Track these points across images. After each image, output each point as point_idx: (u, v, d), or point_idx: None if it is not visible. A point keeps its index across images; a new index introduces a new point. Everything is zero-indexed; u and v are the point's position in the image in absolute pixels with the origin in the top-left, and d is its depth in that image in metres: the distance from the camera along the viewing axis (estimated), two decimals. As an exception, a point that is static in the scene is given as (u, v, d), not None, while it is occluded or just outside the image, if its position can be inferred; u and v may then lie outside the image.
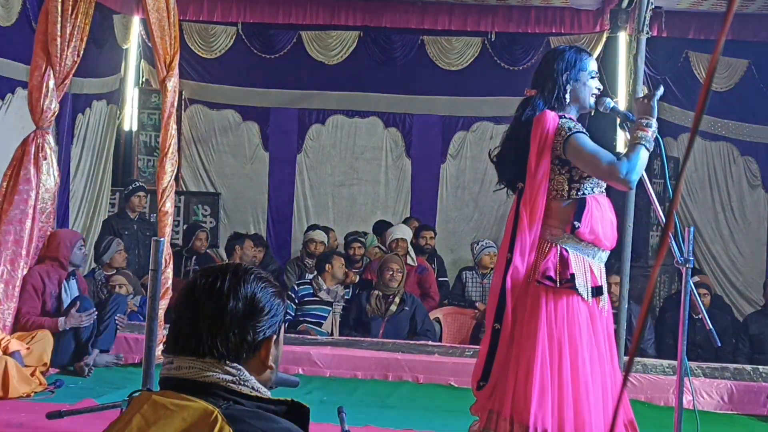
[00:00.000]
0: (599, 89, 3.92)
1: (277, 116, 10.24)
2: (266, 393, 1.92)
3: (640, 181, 3.76)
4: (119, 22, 9.61)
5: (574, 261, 3.73)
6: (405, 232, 8.54)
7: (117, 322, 6.55)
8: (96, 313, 6.44)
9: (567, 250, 3.73)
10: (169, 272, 6.72)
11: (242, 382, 1.88)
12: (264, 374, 1.94)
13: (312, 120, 10.23)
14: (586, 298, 3.73)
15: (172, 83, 6.91)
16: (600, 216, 3.78)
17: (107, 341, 6.56)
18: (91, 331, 6.46)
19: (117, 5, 9.25)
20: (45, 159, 6.40)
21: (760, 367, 6.85)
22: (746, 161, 9.56)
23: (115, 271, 7.62)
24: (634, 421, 3.90)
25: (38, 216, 6.41)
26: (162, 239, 3.78)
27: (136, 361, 6.56)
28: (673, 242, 3.84)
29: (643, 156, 3.64)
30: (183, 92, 9.65)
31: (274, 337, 1.95)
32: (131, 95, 10.19)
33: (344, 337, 7.33)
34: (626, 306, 6.09)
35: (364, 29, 9.82)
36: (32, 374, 5.86)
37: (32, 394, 5.69)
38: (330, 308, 7.59)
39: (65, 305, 6.52)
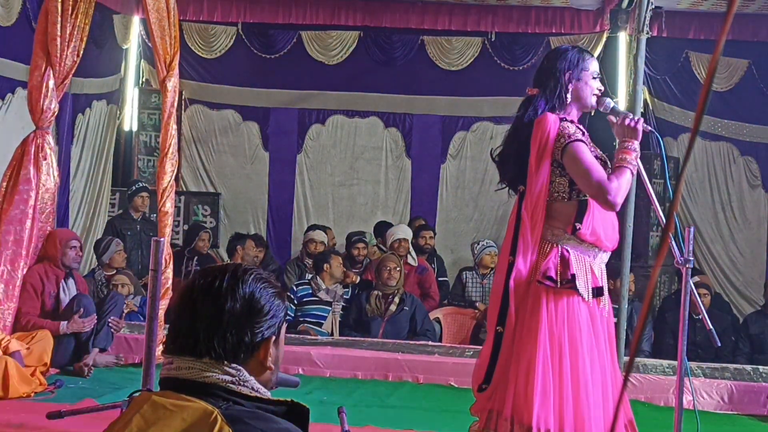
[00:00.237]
0: (600, 90, 3.92)
1: (277, 116, 10.24)
2: (266, 393, 1.92)
3: (640, 181, 3.78)
4: (119, 22, 9.61)
5: (575, 261, 3.73)
6: (406, 233, 8.55)
7: (110, 324, 6.54)
8: (96, 317, 6.45)
9: (568, 251, 3.73)
10: (169, 272, 6.72)
11: (242, 383, 1.88)
12: (263, 375, 1.94)
13: (312, 120, 10.22)
14: (586, 299, 3.73)
15: (172, 83, 6.91)
16: (601, 217, 3.78)
17: (105, 340, 6.56)
18: (90, 331, 6.46)
19: (117, 5, 9.25)
20: (45, 159, 6.40)
21: (760, 367, 6.86)
22: (746, 161, 9.56)
23: (114, 271, 7.62)
24: (634, 421, 3.90)
25: (38, 216, 6.41)
26: (162, 239, 3.77)
27: (136, 361, 6.56)
28: (673, 242, 3.84)
29: (628, 179, 3.70)
30: (183, 92, 9.65)
31: (273, 338, 1.94)
32: (131, 95, 10.18)
33: (344, 337, 7.33)
34: (626, 305, 6.09)
35: (364, 29, 9.82)
36: (32, 374, 5.86)
37: (32, 394, 5.69)
38: (330, 308, 7.59)
39: (64, 305, 6.53)
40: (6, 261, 6.21)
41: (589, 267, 3.77)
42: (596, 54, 9.29)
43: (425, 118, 10.12)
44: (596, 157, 3.76)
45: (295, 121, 10.23)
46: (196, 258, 8.45)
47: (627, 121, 3.77)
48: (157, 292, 3.58)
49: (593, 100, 3.89)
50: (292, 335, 7.23)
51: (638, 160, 3.86)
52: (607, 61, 9.45)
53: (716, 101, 9.11)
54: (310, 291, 7.64)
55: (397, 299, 7.51)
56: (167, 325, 5.99)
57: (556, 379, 3.67)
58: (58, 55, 6.30)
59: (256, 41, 10.00)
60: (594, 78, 3.88)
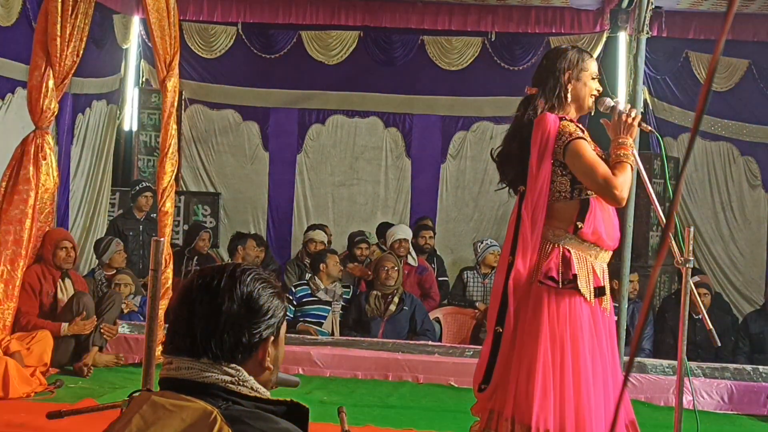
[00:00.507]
0: (599, 91, 3.92)
1: (277, 116, 10.24)
2: (265, 393, 1.92)
3: (640, 181, 3.78)
4: (119, 22, 9.61)
5: (577, 261, 3.72)
6: (406, 233, 8.56)
7: (102, 331, 6.52)
8: (96, 318, 6.45)
9: (569, 251, 3.73)
10: (170, 272, 6.72)
11: (241, 383, 1.87)
12: (263, 375, 1.93)
13: (312, 120, 10.22)
14: (588, 299, 3.73)
15: (172, 83, 6.91)
16: (603, 216, 3.77)
17: (102, 338, 6.56)
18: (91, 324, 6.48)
19: (117, 5, 9.25)
20: (44, 159, 6.39)
21: (760, 367, 6.85)
22: (746, 161, 9.56)
23: (115, 271, 7.62)
24: (636, 421, 3.89)
25: (37, 216, 6.41)
26: (162, 239, 3.77)
27: (136, 361, 6.56)
28: (673, 242, 3.84)
29: (629, 174, 3.71)
30: (183, 92, 9.65)
31: (272, 338, 1.94)
32: (131, 95, 10.18)
33: (344, 337, 7.33)
34: (626, 305, 6.09)
35: (364, 29, 9.82)
36: (32, 374, 5.86)
37: (32, 394, 5.69)
38: (329, 308, 7.58)
39: (62, 304, 6.53)
40: (6, 261, 6.21)
41: (591, 266, 3.76)
42: (596, 54, 9.29)
43: (425, 118, 10.12)
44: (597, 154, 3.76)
45: (295, 121, 10.23)
46: (196, 258, 8.45)
47: (624, 117, 3.78)
48: (157, 292, 3.58)
49: (591, 102, 3.89)
50: (292, 335, 7.23)
51: (638, 160, 3.86)
52: (607, 61, 9.45)
53: (716, 101, 9.11)
54: (309, 291, 7.64)
55: (396, 299, 7.51)
56: (167, 325, 6.00)
57: (557, 380, 3.67)
58: (58, 55, 6.29)
59: (256, 41, 10.00)
60: (593, 78, 3.88)
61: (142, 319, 7.25)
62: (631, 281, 6.68)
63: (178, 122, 8.32)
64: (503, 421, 3.72)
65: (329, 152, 10.23)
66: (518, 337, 3.76)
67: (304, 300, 7.61)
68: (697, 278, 7.44)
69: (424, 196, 10.09)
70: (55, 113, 6.58)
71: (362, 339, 7.21)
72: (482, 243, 8.42)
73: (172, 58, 6.90)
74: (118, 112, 10.03)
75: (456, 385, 6.39)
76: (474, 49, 9.78)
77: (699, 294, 5.46)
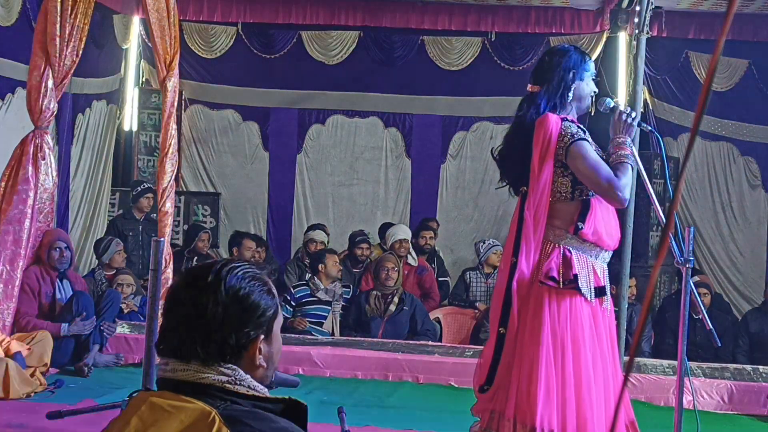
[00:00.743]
0: (595, 92, 3.94)
1: (277, 116, 10.23)
2: (263, 391, 1.90)
3: (640, 181, 3.79)
4: (119, 22, 9.61)
5: (577, 261, 3.72)
6: (407, 233, 8.56)
7: (103, 329, 6.53)
8: (95, 318, 6.44)
9: (570, 251, 3.73)
10: (170, 272, 6.72)
11: (238, 382, 1.86)
12: (257, 372, 1.92)
13: (312, 120, 10.22)
14: (589, 299, 3.73)
15: (172, 83, 6.91)
16: (603, 216, 3.78)
17: (101, 337, 6.56)
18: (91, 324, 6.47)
19: (117, 5, 9.24)
20: (43, 159, 6.40)
21: (760, 367, 6.85)
22: (746, 161, 9.56)
23: (114, 271, 7.62)
24: (636, 421, 3.90)
25: (36, 216, 6.41)
26: (162, 239, 3.77)
27: (136, 361, 6.56)
28: (673, 242, 3.84)
29: (630, 174, 3.73)
30: (183, 92, 9.65)
31: (262, 336, 1.91)
32: (131, 95, 10.18)
33: (344, 337, 7.32)
34: (626, 306, 6.09)
35: (364, 29, 9.82)
36: (32, 374, 5.86)
37: (32, 395, 5.69)
38: (329, 307, 7.58)
39: (61, 305, 6.53)
40: (5, 261, 6.21)
41: (591, 266, 3.76)
42: (596, 54, 9.30)
43: (425, 118, 10.12)
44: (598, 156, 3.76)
45: (295, 121, 10.23)
46: (195, 258, 8.44)
47: (624, 117, 3.78)
48: (157, 292, 3.59)
49: (589, 102, 3.91)
50: (292, 335, 7.23)
51: (638, 160, 3.87)
52: (607, 61, 9.45)
53: (716, 101, 9.10)
54: (309, 291, 7.63)
55: (396, 299, 7.51)
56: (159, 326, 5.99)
57: (559, 380, 3.67)
58: (57, 54, 6.29)
59: (256, 41, 9.99)
60: (592, 79, 3.90)
61: (142, 319, 7.24)
62: (629, 286, 6.67)
63: (178, 122, 8.33)
64: (505, 422, 3.72)
65: (329, 152, 10.23)
66: (519, 337, 3.76)
67: (304, 300, 7.61)
68: (696, 278, 7.44)
69: (424, 196, 10.09)
70: (55, 113, 6.58)
71: (362, 339, 7.21)
72: (485, 243, 8.42)
73: (172, 58, 6.90)
74: (118, 112, 10.03)
75: (456, 385, 6.39)
76: (474, 49, 9.78)
77: (699, 294, 5.45)
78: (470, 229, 9.98)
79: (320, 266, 7.64)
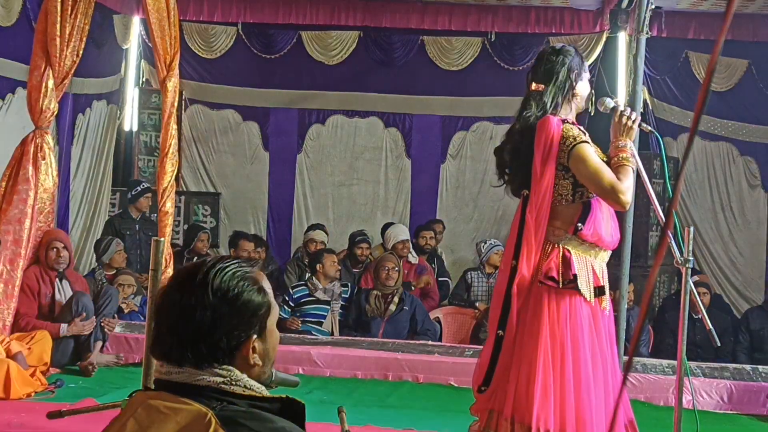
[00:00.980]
0: (590, 94, 3.97)
1: (277, 116, 10.24)
2: (260, 390, 1.89)
3: (640, 181, 3.80)
4: (119, 22, 9.61)
5: (577, 261, 3.73)
6: (407, 233, 8.57)
7: (103, 325, 6.54)
8: (95, 318, 6.45)
9: (569, 251, 3.73)
10: (170, 272, 6.72)
11: (234, 382, 1.85)
12: (253, 371, 1.90)
13: (312, 120, 10.23)
14: (588, 299, 3.74)
15: (172, 83, 6.92)
16: (603, 217, 3.78)
17: (102, 334, 6.57)
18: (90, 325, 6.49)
19: (117, 5, 9.25)
20: (44, 159, 6.40)
21: (759, 366, 6.85)
22: (746, 161, 9.56)
23: (115, 271, 7.62)
24: (634, 421, 3.90)
25: (36, 216, 6.41)
26: (162, 239, 3.78)
27: (136, 361, 6.56)
28: (673, 242, 3.84)
29: (632, 177, 3.73)
30: (183, 92, 9.65)
31: (254, 336, 1.89)
32: (131, 95, 10.18)
33: (344, 337, 7.33)
34: (626, 305, 6.09)
35: (364, 29, 9.82)
36: (32, 374, 5.86)
37: (32, 394, 5.70)
38: (328, 307, 7.59)
39: (60, 305, 6.53)
40: (5, 261, 6.22)
41: (591, 266, 3.77)
42: (596, 54, 9.31)
43: (425, 118, 10.12)
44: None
45: (295, 121, 10.23)
46: (195, 259, 8.45)
47: (624, 120, 3.79)
48: (157, 292, 3.59)
49: (584, 103, 3.93)
50: (293, 335, 7.23)
51: (638, 160, 3.87)
52: (607, 61, 9.46)
53: (716, 101, 9.11)
54: (307, 291, 7.63)
55: (396, 299, 7.51)
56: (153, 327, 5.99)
57: (558, 380, 3.67)
58: (58, 54, 6.30)
59: (256, 41, 10.00)
60: (588, 80, 3.93)
61: (142, 319, 7.25)
62: (627, 302, 6.66)
63: (178, 122, 8.32)
64: (503, 421, 3.72)
65: (329, 152, 10.23)
66: (518, 337, 3.76)
67: (302, 300, 7.61)
68: (696, 278, 7.45)
69: (424, 196, 10.09)
70: (55, 113, 6.58)
71: (362, 339, 7.21)
72: (486, 243, 8.42)
73: (172, 58, 6.91)
74: (119, 112, 10.03)
75: (456, 385, 6.39)
76: (474, 49, 9.78)
77: (698, 293, 5.45)
78: (470, 229, 9.99)
79: (318, 266, 7.64)
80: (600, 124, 3.94)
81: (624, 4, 8.92)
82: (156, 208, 7.76)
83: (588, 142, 3.73)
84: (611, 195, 3.65)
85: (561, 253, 3.73)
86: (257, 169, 10.25)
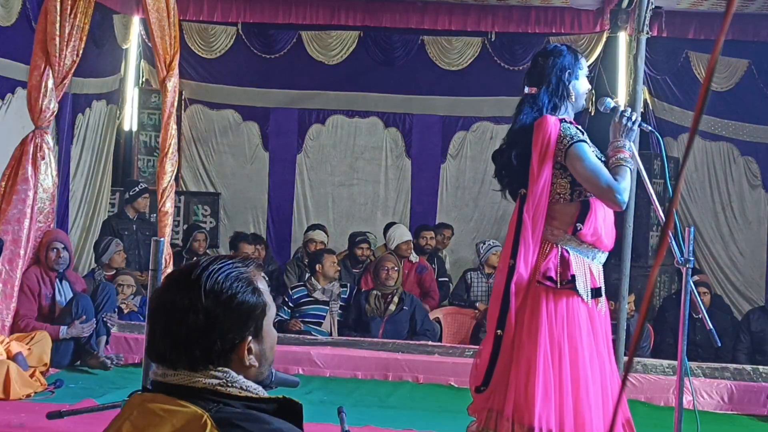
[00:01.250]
0: (590, 89, 3.95)
1: (277, 116, 10.23)
2: (256, 391, 1.87)
3: (640, 181, 3.80)
4: (119, 22, 9.61)
5: (575, 262, 3.73)
6: (409, 233, 8.57)
7: (106, 320, 6.54)
8: (95, 322, 6.44)
9: (568, 251, 3.73)
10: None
11: (230, 384, 1.84)
12: (250, 372, 1.88)
13: (312, 120, 10.22)
14: (586, 300, 3.74)
15: (172, 83, 6.92)
16: (602, 217, 3.78)
17: (106, 330, 6.58)
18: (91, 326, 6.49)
19: (117, 5, 9.24)
20: (43, 159, 6.40)
21: (760, 367, 6.85)
22: (746, 161, 9.56)
23: (114, 272, 7.61)
24: (631, 420, 3.91)
25: (36, 216, 6.41)
26: (162, 239, 3.78)
27: (136, 361, 6.56)
28: (673, 242, 3.84)
29: (629, 177, 3.74)
30: (183, 92, 9.65)
31: (250, 337, 1.87)
32: (131, 95, 10.18)
33: (344, 337, 7.32)
34: (626, 305, 6.09)
35: (364, 29, 9.82)
36: (32, 375, 5.86)
37: (32, 395, 5.69)
38: (327, 307, 7.58)
39: (61, 306, 6.53)
40: (4, 261, 6.22)
41: (588, 268, 3.77)
42: (596, 54, 9.30)
43: (425, 118, 10.12)
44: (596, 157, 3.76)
45: (295, 121, 10.23)
46: (194, 259, 8.43)
47: (624, 121, 3.79)
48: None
49: (584, 100, 3.92)
50: (293, 335, 7.23)
51: (638, 160, 3.87)
52: (607, 61, 9.45)
53: (716, 101, 9.10)
54: (306, 292, 7.63)
55: (396, 299, 7.51)
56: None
57: (556, 379, 3.67)
58: (57, 54, 6.30)
59: (256, 41, 10.00)
60: (585, 77, 3.91)
61: (141, 319, 7.24)
62: (627, 302, 6.65)
63: (178, 122, 8.33)
64: (503, 421, 3.72)
65: (329, 152, 10.23)
66: (517, 338, 3.76)
67: (301, 301, 7.60)
68: (696, 277, 7.44)
69: (424, 196, 10.09)
70: (55, 113, 6.58)
71: (362, 339, 7.20)
72: (485, 244, 8.42)
73: (172, 58, 6.91)
74: (118, 112, 10.03)
75: (456, 385, 6.39)
76: (474, 49, 9.78)
77: (699, 293, 5.45)
78: (470, 229, 9.98)
79: (317, 266, 7.64)
80: (600, 124, 3.93)
81: (624, 4, 8.92)
82: (155, 208, 7.76)
83: (585, 141, 3.73)
84: (608, 195, 3.65)
85: (560, 253, 3.73)
86: (257, 169, 10.24)
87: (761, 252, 9.56)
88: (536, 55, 3.99)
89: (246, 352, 1.87)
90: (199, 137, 10.26)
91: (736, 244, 9.56)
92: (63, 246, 6.58)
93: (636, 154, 3.88)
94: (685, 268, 3.86)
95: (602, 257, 3.85)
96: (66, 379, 6.11)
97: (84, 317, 6.39)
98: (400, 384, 6.54)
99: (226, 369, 1.85)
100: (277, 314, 5.33)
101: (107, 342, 6.60)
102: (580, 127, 3.84)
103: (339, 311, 7.63)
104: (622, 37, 9.38)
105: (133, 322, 7.20)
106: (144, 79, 10.23)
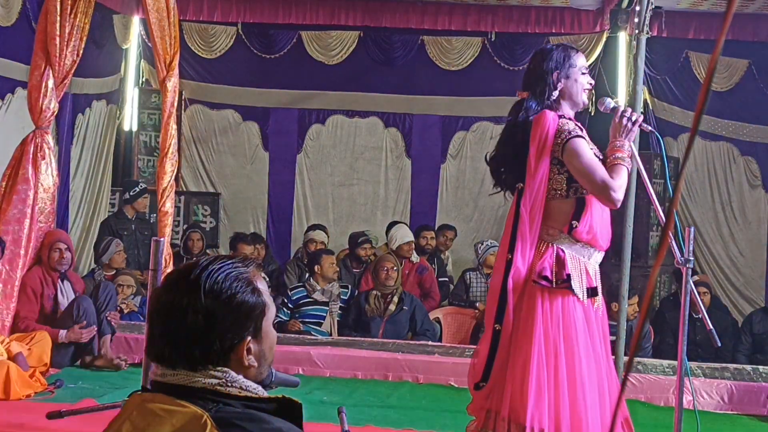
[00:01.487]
0: (591, 84, 3.93)
1: (277, 116, 10.24)
2: (256, 390, 1.87)
3: (640, 181, 3.80)
4: (119, 22, 9.61)
5: (570, 261, 3.73)
6: (411, 234, 8.57)
7: (109, 319, 6.55)
8: (96, 328, 6.44)
9: (563, 251, 3.73)
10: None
11: (230, 384, 1.84)
12: (249, 372, 1.88)
13: (312, 120, 10.23)
14: (581, 299, 3.74)
15: (172, 83, 6.92)
16: (598, 216, 3.78)
17: (110, 328, 6.58)
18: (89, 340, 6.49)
19: (117, 5, 9.25)
20: (43, 159, 6.40)
21: (760, 367, 6.86)
22: (746, 161, 9.56)
23: (114, 272, 7.61)
24: (630, 419, 3.91)
25: (37, 216, 6.41)
26: (162, 239, 3.78)
27: (136, 361, 6.56)
28: (673, 242, 3.84)
29: (626, 176, 3.73)
30: (183, 92, 9.65)
31: (249, 337, 1.87)
32: (131, 95, 10.18)
33: (344, 337, 7.32)
34: (626, 306, 6.09)
35: (364, 29, 9.82)
36: (32, 375, 5.86)
37: (32, 395, 5.70)
38: (326, 308, 7.58)
39: (62, 307, 6.53)
40: (4, 261, 6.22)
41: (584, 267, 3.77)
42: (596, 54, 9.30)
43: (425, 118, 10.12)
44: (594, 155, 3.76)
45: (295, 121, 10.23)
46: (193, 259, 8.42)
47: (624, 121, 3.78)
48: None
49: (584, 97, 3.89)
50: (292, 335, 7.23)
51: (638, 160, 3.87)
52: (607, 61, 9.45)
53: (716, 101, 9.11)
54: (305, 293, 7.62)
55: (396, 299, 7.51)
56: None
57: (552, 379, 3.67)
58: (58, 54, 6.30)
59: (256, 41, 10.00)
60: (583, 73, 3.88)
61: (141, 319, 7.25)
62: (630, 304, 6.66)
63: (178, 122, 8.33)
64: (500, 421, 3.72)
65: (329, 152, 10.23)
66: (513, 335, 3.77)
67: (301, 302, 7.60)
68: (696, 277, 7.44)
69: (424, 196, 10.09)
70: (55, 113, 6.58)
71: (362, 339, 7.20)
72: (483, 244, 8.43)
73: (172, 58, 6.91)
74: (118, 112, 10.03)
75: (456, 385, 6.39)
76: (474, 49, 9.78)
77: (699, 293, 5.45)
78: (470, 229, 9.98)
79: (316, 267, 7.63)
80: (600, 124, 3.93)
81: (624, 4, 8.92)
82: (155, 208, 7.76)
83: (583, 137, 3.73)
84: (603, 191, 3.65)
85: (555, 252, 3.73)
86: (257, 169, 10.25)
87: (761, 252, 9.56)
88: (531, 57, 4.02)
89: (245, 352, 1.87)
90: (199, 137, 10.26)
91: (736, 244, 9.56)
92: (66, 246, 6.59)
93: (636, 154, 3.88)
94: (685, 268, 3.86)
95: (598, 257, 3.85)
96: (66, 379, 6.10)
97: (85, 322, 6.38)
98: (400, 384, 6.54)
99: (225, 369, 1.85)
100: (276, 315, 5.34)
101: (111, 340, 6.60)
102: (579, 124, 3.84)
103: (339, 312, 7.63)
104: (622, 37, 9.38)
105: (133, 322, 7.20)
106: (144, 79, 10.24)
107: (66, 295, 6.59)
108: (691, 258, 3.85)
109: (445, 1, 9.40)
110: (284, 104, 10.21)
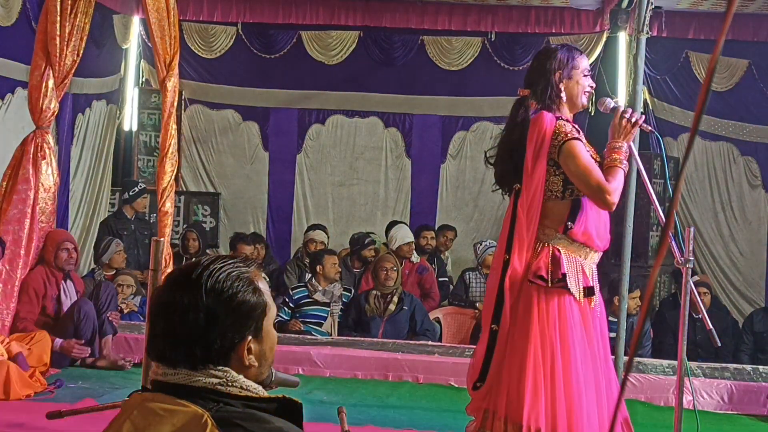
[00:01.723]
0: (592, 87, 3.93)
1: (277, 116, 10.24)
2: (256, 390, 1.87)
3: (640, 181, 3.80)
4: (119, 22, 9.61)
5: (566, 261, 3.73)
6: (411, 234, 8.58)
7: (110, 319, 6.55)
8: (89, 350, 6.42)
9: (559, 250, 3.74)
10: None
11: (230, 383, 1.84)
12: (250, 371, 1.89)
13: (312, 120, 10.23)
14: (578, 298, 3.74)
15: (172, 83, 6.92)
16: (594, 217, 3.78)
17: (112, 328, 6.58)
18: (93, 331, 6.47)
19: (117, 5, 9.25)
20: (44, 159, 6.40)
21: (760, 367, 6.86)
22: (746, 161, 9.56)
23: (114, 272, 7.61)
24: (629, 419, 3.91)
25: (37, 216, 6.41)
26: (162, 239, 3.78)
27: (136, 361, 6.56)
28: (673, 242, 3.84)
29: (622, 179, 3.73)
30: (183, 92, 9.65)
31: (249, 337, 1.87)
32: (131, 95, 10.19)
33: (344, 337, 7.32)
34: (626, 306, 6.08)
35: (364, 29, 9.82)
36: (32, 375, 5.86)
37: (32, 395, 5.69)
38: (327, 308, 7.58)
39: (65, 307, 6.53)
40: (4, 261, 6.21)
41: (581, 266, 3.77)
42: (596, 54, 9.30)
43: (425, 118, 10.12)
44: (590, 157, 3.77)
45: (295, 121, 10.23)
46: (192, 259, 8.42)
47: (623, 122, 3.78)
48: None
49: (584, 99, 3.90)
50: (292, 335, 7.23)
51: (638, 160, 3.87)
52: (607, 61, 9.46)
53: (716, 101, 9.11)
54: (307, 293, 7.62)
55: (395, 299, 7.51)
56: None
57: (548, 379, 3.67)
58: (58, 54, 6.30)
59: (256, 41, 10.00)
60: (585, 75, 3.88)
61: (141, 319, 7.25)
62: (632, 298, 6.67)
63: (178, 122, 8.33)
64: (497, 421, 3.73)
65: (329, 152, 10.23)
66: (510, 335, 3.77)
67: (302, 302, 7.60)
68: (696, 277, 7.44)
69: (424, 196, 10.09)
70: (56, 113, 6.58)
71: (362, 339, 7.21)
72: (482, 244, 8.43)
73: (172, 58, 6.91)
74: (118, 112, 10.04)
75: (456, 385, 6.39)
76: (474, 49, 9.79)
77: (699, 293, 5.45)
78: (470, 229, 9.98)
79: (318, 267, 7.63)
80: (600, 124, 3.94)
81: (624, 4, 8.92)
82: (155, 208, 7.75)
83: (579, 140, 3.73)
84: (598, 194, 3.66)
85: (551, 252, 3.73)
86: (257, 169, 10.25)
87: (761, 252, 9.56)
88: (534, 55, 4.02)
89: (246, 351, 1.87)
90: (199, 137, 10.26)
91: (736, 244, 9.57)
92: (73, 246, 6.61)
93: (636, 154, 3.88)
94: (685, 268, 3.86)
95: (595, 257, 3.85)
96: (69, 379, 6.10)
97: (84, 341, 6.36)
98: (400, 384, 6.54)
99: (226, 368, 1.85)
100: (277, 315, 5.34)
101: (115, 333, 6.61)
102: (576, 126, 3.84)
103: (339, 313, 7.63)
104: (622, 37, 9.38)
105: (133, 322, 7.20)
106: (144, 79, 10.24)
107: (69, 295, 6.59)
108: (691, 258, 3.85)
109: (445, 1, 9.41)
110: (284, 104, 10.21)
